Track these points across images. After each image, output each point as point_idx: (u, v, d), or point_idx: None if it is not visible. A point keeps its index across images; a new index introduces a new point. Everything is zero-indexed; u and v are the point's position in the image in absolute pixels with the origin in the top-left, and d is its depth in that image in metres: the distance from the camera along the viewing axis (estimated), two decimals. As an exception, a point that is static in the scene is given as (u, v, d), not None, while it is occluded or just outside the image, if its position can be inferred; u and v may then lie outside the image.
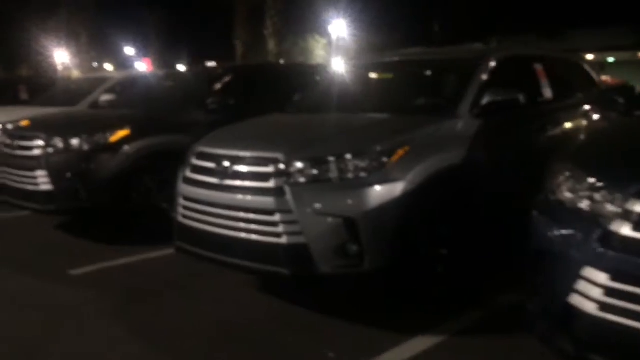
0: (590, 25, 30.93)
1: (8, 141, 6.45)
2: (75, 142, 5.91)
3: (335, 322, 3.91)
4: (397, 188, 3.69)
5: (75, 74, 42.29)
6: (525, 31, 32.16)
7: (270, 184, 3.77)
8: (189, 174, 4.33)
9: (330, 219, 3.63)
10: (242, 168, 3.93)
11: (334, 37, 42.06)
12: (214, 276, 4.79)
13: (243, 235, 3.87)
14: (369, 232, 3.62)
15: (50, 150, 5.95)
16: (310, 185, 3.72)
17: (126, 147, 5.93)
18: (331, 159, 3.73)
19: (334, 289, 4.37)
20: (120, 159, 5.90)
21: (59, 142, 5.95)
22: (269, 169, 3.80)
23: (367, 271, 3.67)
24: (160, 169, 6.07)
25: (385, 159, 3.74)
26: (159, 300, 4.47)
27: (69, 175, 5.84)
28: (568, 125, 5.30)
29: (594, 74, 6.34)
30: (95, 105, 8.34)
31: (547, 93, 5.28)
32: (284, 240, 3.69)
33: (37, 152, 5.99)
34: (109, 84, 8.81)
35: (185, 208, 4.32)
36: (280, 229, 3.70)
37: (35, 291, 4.73)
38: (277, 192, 3.73)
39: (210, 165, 4.13)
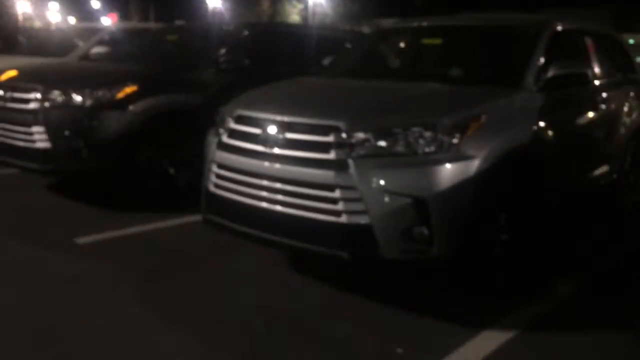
0: (563, 5, 30.95)
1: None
2: (77, 96, 5.34)
3: (394, 311, 3.54)
4: (471, 166, 3.30)
5: (37, 24, 40.64)
6: (499, 7, 31.98)
7: (331, 155, 3.33)
8: (226, 139, 3.86)
9: (398, 199, 3.22)
10: (295, 136, 3.48)
11: (310, 2, 41.23)
12: (242, 252, 4.37)
13: (293, 211, 3.44)
14: (440, 214, 3.23)
15: (48, 104, 5.37)
16: (376, 159, 3.30)
17: (133, 105, 5.39)
18: (398, 130, 3.32)
19: (392, 275, 3.98)
20: (127, 118, 5.36)
21: (58, 96, 5.37)
22: (329, 139, 3.36)
23: (434, 257, 3.30)
24: (168, 131, 5.59)
25: (458, 134, 3.34)
26: (185, 279, 4.02)
27: (69, 132, 5.28)
28: (621, 103, 4.99)
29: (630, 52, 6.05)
30: (86, 57, 7.70)
31: (597, 69, 4.96)
32: (343, 219, 3.28)
33: (33, 105, 5.39)
34: (100, 35, 8.13)
35: (220, 177, 3.86)
36: (340, 206, 3.28)
37: (41, 263, 4.21)
38: (339, 165, 3.30)
39: (255, 130, 3.67)
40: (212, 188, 3.94)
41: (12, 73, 6.94)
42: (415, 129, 3.31)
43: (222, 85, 5.97)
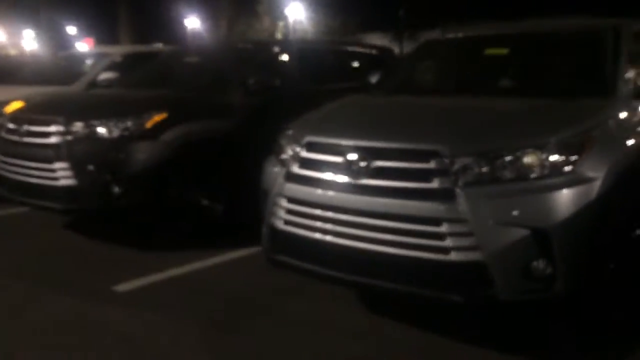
0: (550, 13, 31.05)
1: (10, 125, 5.32)
2: (102, 127, 4.88)
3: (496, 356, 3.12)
4: (592, 190, 2.91)
5: (13, 52, 39.87)
6: (484, 17, 32.06)
7: (434, 184, 2.92)
8: (297, 169, 3.43)
9: (515, 231, 2.82)
10: (386, 163, 3.06)
11: (290, 19, 41.06)
12: (303, 293, 3.94)
13: (389, 249, 3.01)
14: (564, 246, 2.83)
15: (71, 137, 4.90)
16: (487, 187, 2.89)
17: (163, 134, 4.93)
18: (506, 153, 2.92)
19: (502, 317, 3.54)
20: (158, 148, 4.90)
21: (81, 128, 4.90)
22: (429, 165, 2.95)
23: (556, 296, 2.89)
24: (199, 160, 5.14)
25: (573, 154, 2.95)
26: (250, 326, 3.56)
27: (96, 167, 4.80)
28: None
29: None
30: (94, 84, 7.22)
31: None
32: (452, 256, 2.86)
33: (54, 139, 4.91)
34: (105, 61, 7.66)
35: (291, 212, 3.42)
36: (447, 242, 2.86)
37: (83, 317, 3.72)
38: (444, 195, 2.89)
39: (333, 159, 3.24)
40: (280, 225, 3.50)
41: (19, 104, 6.47)
42: (526, 150, 2.92)
43: (253, 108, 5.55)
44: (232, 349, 3.29)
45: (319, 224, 3.27)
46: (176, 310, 3.80)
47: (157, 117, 4.97)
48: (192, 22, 44.69)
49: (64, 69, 8.69)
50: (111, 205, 4.86)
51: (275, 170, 3.64)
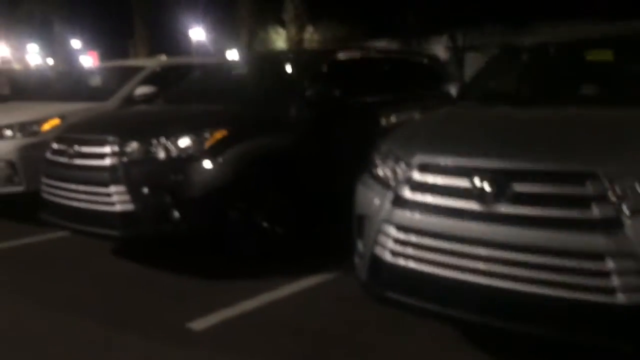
0: (556, 18, 30.71)
1: (56, 146, 4.94)
2: (159, 147, 4.49)
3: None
4: None
5: (17, 67, 39.59)
6: (491, 22, 31.82)
7: (593, 212, 2.51)
8: (409, 194, 3.02)
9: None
10: (530, 188, 2.66)
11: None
12: (401, 328, 3.54)
13: (534, 288, 2.60)
14: None
15: (127, 158, 4.50)
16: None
17: (225, 153, 4.54)
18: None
19: None
20: (219, 168, 4.51)
21: (138, 148, 4.51)
22: (585, 190, 2.54)
23: None
24: (261, 179, 4.75)
25: None
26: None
27: (154, 190, 4.41)
28: None
29: None
30: (130, 99, 6.83)
31: None
32: (619, 298, 2.45)
33: (109, 161, 4.51)
34: (142, 74, 7.26)
35: (402, 243, 3.01)
36: (613, 282, 2.46)
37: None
38: (607, 224, 2.48)
39: (458, 182, 2.84)
40: (386, 256, 3.09)
41: (56, 122, 6.11)
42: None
43: (313, 122, 5.17)
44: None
45: (440, 256, 2.87)
46: (263, 351, 3.39)
47: (218, 135, 4.58)
48: (197, 34, 44.40)
49: (93, 84, 8.32)
50: (172, 231, 4.45)
51: (373, 193, 3.24)
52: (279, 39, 43.37)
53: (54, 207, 4.96)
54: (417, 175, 3.02)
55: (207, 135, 4.53)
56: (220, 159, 4.51)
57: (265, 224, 4.85)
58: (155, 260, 4.97)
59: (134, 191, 4.41)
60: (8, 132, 6.23)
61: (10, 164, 6.10)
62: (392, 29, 39.07)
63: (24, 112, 6.42)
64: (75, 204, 4.71)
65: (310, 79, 5.34)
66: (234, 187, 4.55)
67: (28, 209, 5.47)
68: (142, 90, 6.80)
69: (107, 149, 4.53)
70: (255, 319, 3.87)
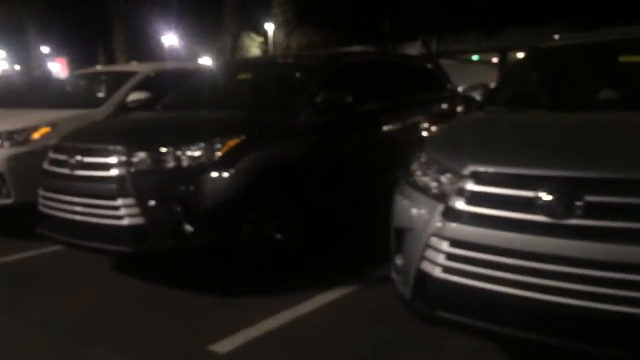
0: (527, 23, 30.98)
1: (55, 156, 4.63)
2: (169, 156, 4.22)
3: None
4: None
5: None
6: (464, 29, 32.06)
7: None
8: (464, 205, 2.81)
9: None
10: (607, 199, 2.46)
11: (270, 34, 40.53)
12: (445, 349, 3.32)
13: (619, 308, 2.40)
14: None
15: (134, 169, 4.22)
16: None
17: (238, 162, 4.30)
18: None
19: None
20: (233, 178, 4.26)
21: (146, 158, 4.23)
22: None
23: None
24: (273, 189, 4.52)
25: None
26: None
27: (165, 203, 4.14)
28: None
29: None
30: (124, 106, 6.52)
31: None
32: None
33: (116, 171, 4.23)
34: (134, 80, 6.95)
35: (456, 258, 2.81)
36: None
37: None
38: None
39: (521, 193, 2.64)
40: (436, 272, 2.88)
41: (46, 130, 5.79)
42: None
43: (323, 128, 4.97)
44: None
45: (502, 273, 2.66)
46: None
47: (231, 143, 4.33)
48: (170, 39, 43.88)
49: (81, 90, 7.97)
50: (184, 245, 4.18)
51: (416, 205, 3.03)
52: (253, 45, 43.17)
53: (52, 221, 4.65)
54: (471, 186, 2.81)
55: (219, 143, 4.28)
56: (233, 169, 4.26)
57: (278, 236, 4.62)
58: (160, 276, 4.68)
59: (143, 204, 4.12)
60: (-6, 141, 5.89)
61: (-2, 175, 5.76)
62: (367, 34, 39.12)
63: (11, 120, 6.06)
64: (77, 217, 4.41)
65: (320, 85, 5.13)
66: (247, 198, 4.31)
67: (18, 222, 5.14)
68: (135, 96, 6.51)
69: (113, 159, 4.24)
70: (279, 338, 3.63)
